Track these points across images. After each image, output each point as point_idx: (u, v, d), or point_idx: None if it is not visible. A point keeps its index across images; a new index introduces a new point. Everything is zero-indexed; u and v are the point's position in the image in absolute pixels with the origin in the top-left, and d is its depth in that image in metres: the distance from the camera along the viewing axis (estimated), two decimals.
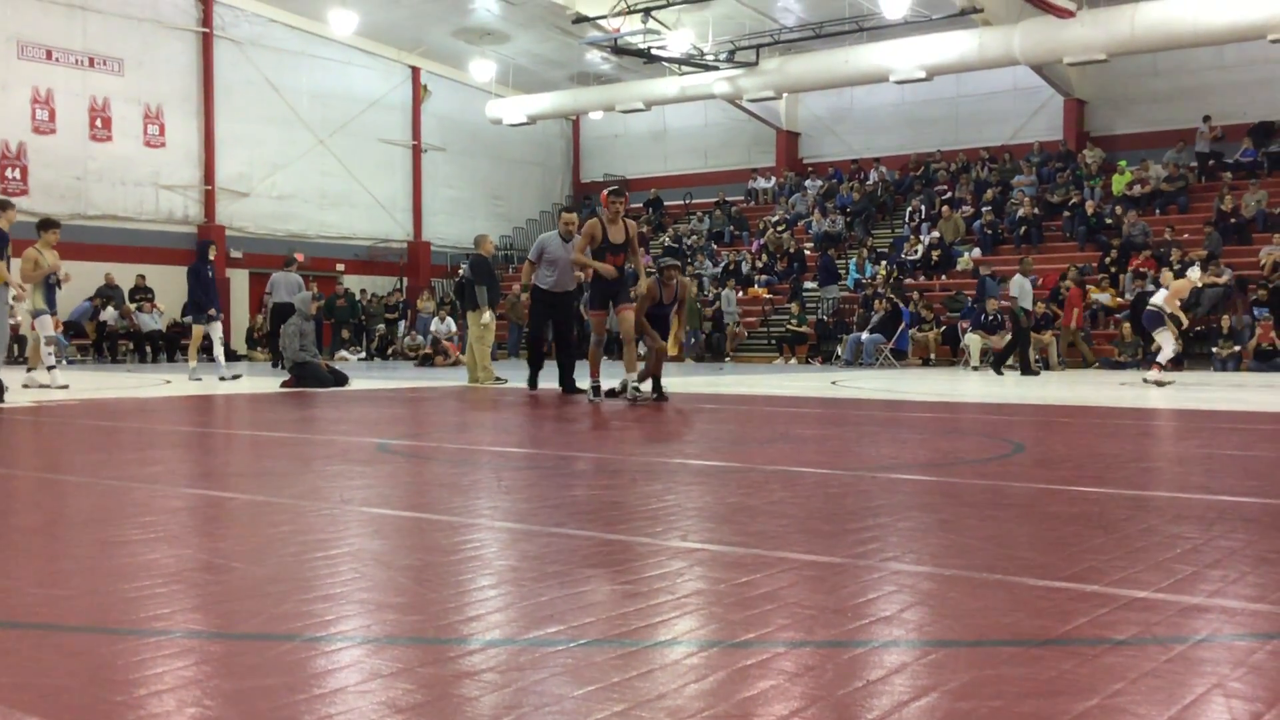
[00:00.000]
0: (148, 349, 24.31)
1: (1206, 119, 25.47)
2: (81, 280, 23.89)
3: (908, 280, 24.85)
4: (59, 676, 2.31)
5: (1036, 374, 17.84)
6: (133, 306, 24.63)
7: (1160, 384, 14.25)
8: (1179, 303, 14.98)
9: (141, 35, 26.04)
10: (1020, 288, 17.81)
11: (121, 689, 2.22)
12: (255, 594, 3.06)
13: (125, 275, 24.94)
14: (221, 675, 2.32)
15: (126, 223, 25.79)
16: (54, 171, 24.58)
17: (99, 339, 24.02)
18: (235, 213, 27.85)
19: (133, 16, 25.83)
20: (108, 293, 24.42)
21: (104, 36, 25.39)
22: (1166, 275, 15.03)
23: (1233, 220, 22.88)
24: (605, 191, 10.84)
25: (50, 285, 13.03)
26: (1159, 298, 14.99)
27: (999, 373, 18.18)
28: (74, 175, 24.97)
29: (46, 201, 23.97)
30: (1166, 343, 14.61)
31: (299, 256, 20.41)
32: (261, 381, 15.23)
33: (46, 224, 13.16)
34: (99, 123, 25.40)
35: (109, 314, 24.13)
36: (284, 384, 13.78)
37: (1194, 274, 15.60)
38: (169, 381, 15.31)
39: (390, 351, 27.58)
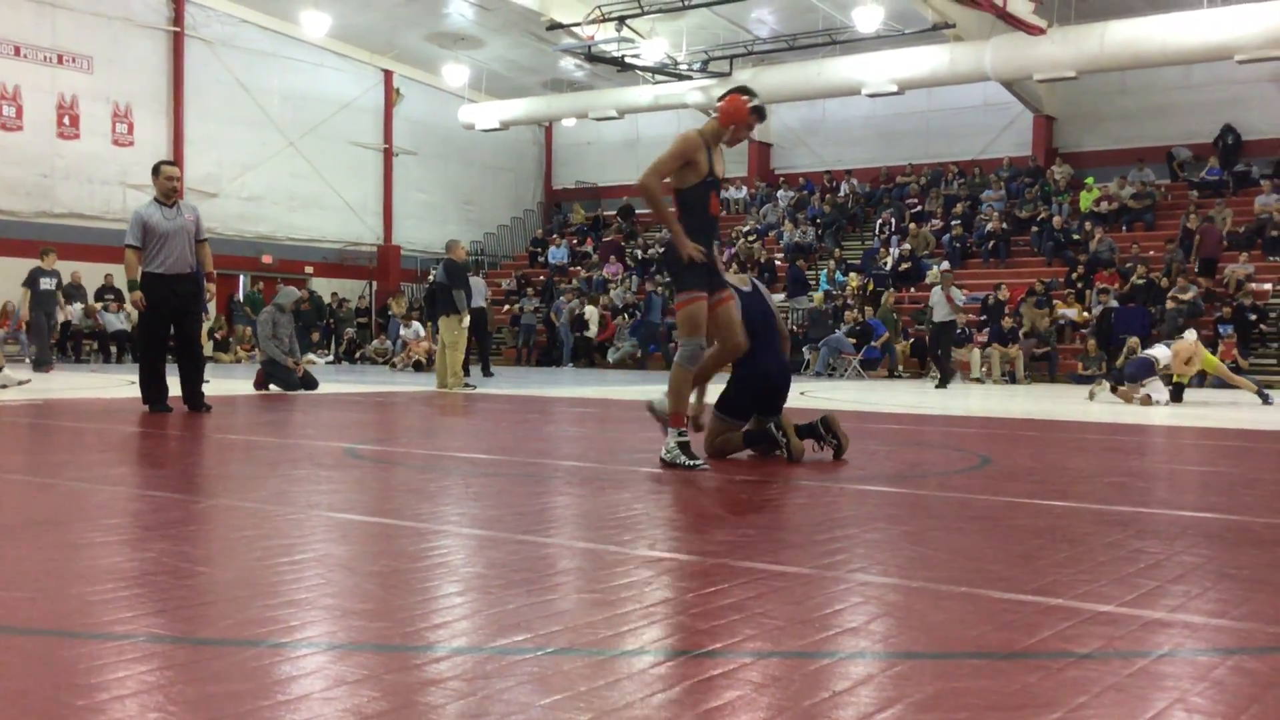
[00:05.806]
0: (112, 349, 24.06)
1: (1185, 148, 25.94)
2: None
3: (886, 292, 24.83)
4: (19, 680, 2.28)
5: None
6: (98, 306, 24.39)
7: (1118, 398, 14.46)
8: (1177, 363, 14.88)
9: (111, 33, 25.84)
10: None
11: (83, 693, 2.20)
12: (220, 598, 3.03)
13: (92, 275, 24.69)
14: (185, 680, 2.30)
15: (93, 221, 25.51)
16: (20, 169, 24.34)
17: (63, 339, 23.76)
18: (203, 213, 27.37)
19: (103, 14, 25.62)
20: (72, 291, 24.17)
21: (73, 34, 25.17)
22: (1179, 345, 14.92)
23: (1198, 238, 23.13)
24: (750, 102, 6.09)
25: None
26: (1159, 351, 14.87)
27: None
28: (40, 173, 24.73)
29: (12, 199, 23.75)
30: (1157, 390, 14.57)
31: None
32: (229, 384, 15.10)
33: None
34: (67, 120, 25.17)
35: (73, 311, 23.86)
36: (256, 383, 13.69)
37: (1190, 336, 15.62)
38: (133, 382, 15.14)
39: (358, 355, 27.50)
